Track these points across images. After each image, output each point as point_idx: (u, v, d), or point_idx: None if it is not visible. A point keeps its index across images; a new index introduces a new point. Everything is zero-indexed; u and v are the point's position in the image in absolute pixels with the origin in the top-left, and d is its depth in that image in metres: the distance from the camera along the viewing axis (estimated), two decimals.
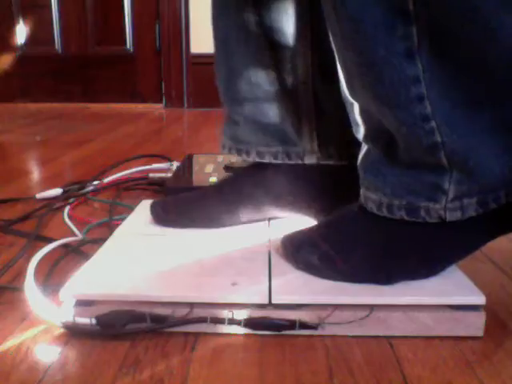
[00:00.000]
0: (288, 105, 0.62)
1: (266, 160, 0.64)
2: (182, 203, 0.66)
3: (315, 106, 0.61)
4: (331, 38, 0.47)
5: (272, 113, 0.62)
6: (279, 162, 0.64)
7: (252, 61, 0.61)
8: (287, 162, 0.63)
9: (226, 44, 0.62)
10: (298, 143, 0.63)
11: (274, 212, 0.65)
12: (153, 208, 0.66)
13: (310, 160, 0.63)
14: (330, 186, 0.63)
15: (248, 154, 0.65)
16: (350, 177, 0.57)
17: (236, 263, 0.53)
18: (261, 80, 0.61)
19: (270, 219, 0.67)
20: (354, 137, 0.54)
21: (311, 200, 0.64)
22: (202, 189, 0.69)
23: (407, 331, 0.46)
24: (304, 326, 0.46)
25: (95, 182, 0.96)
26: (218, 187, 0.67)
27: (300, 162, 0.63)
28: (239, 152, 0.66)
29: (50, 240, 0.67)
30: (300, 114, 0.62)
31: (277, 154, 0.64)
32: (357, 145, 0.54)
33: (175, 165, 1.07)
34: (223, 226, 0.65)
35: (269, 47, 0.60)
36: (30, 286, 0.49)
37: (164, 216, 0.65)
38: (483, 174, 0.44)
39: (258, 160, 0.65)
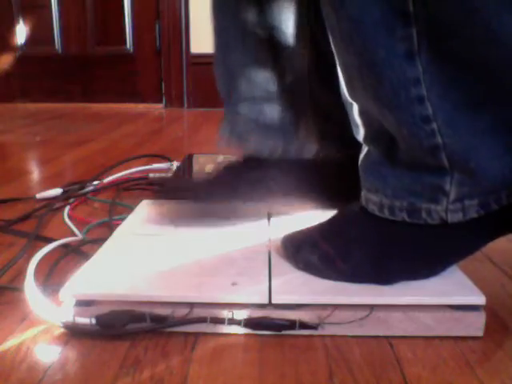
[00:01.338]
0: (285, 101, 0.62)
1: (264, 154, 0.64)
2: (179, 181, 0.65)
3: (312, 103, 0.62)
4: (331, 39, 0.47)
5: (270, 111, 0.62)
6: (277, 157, 0.64)
7: (251, 59, 0.61)
8: (285, 156, 0.63)
9: (226, 43, 0.62)
10: (295, 138, 0.63)
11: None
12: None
13: (307, 154, 0.63)
14: (328, 180, 0.63)
15: (246, 149, 0.65)
16: (350, 170, 0.57)
17: (236, 263, 0.53)
18: (259, 79, 0.61)
19: (269, 218, 0.67)
20: (352, 133, 0.53)
21: (309, 194, 0.64)
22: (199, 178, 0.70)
23: (407, 331, 0.46)
24: (304, 325, 0.46)
25: (95, 182, 0.96)
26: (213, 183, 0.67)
27: (298, 156, 0.63)
28: (236, 146, 0.66)
29: (50, 240, 0.67)
30: (296, 109, 0.62)
31: (275, 149, 0.64)
32: (356, 139, 0.54)
33: (175, 165, 1.07)
34: (218, 202, 0.64)
35: (268, 46, 0.60)
36: (30, 286, 0.49)
37: (160, 190, 0.65)
38: (484, 175, 0.44)
39: (255, 154, 0.65)
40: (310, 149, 0.63)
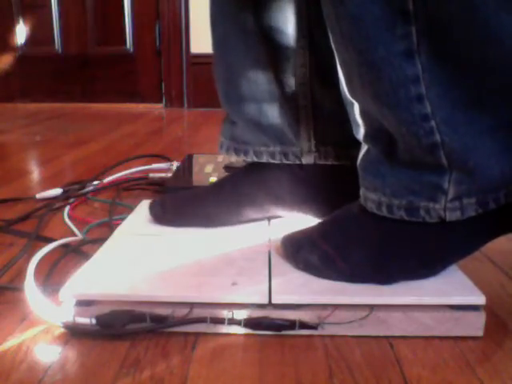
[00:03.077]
0: (286, 105, 0.62)
1: (264, 160, 0.64)
2: (180, 203, 0.66)
3: (313, 107, 0.62)
4: (331, 38, 0.47)
5: (271, 113, 0.62)
6: (277, 161, 0.64)
7: (251, 61, 0.61)
8: (285, 161, 0.64)
9: (225, 44, 0.62)
10: (296, 143, 0.63)
11: (274, 211, 0.65)
12: (151, 207, 0.66)
13: (307, 160, 0.63)
14: (329, 186, 0.63)
15: (246, 153, 0.65)
16: (350, 177, 0.57)
17: (236, 263, 0.53)
18: (260, 80, 0.61)
19: (269, 219, 0.67)
20: (352, 137, 0.54)
21: (311, 200, 0.64)
22: (201, 188, 0.69)
23: (407, 331, 0.46)
24: (304, 325, 0.46)
25: (95, 182, 0.96)
26: (218, 187, 0.67)
27: (297, 161, 0.63)
28: (237, 152, 0.66)
29: (49, 240, 0.67)
30: (298, 114, 0.62)
31: (274, 153, 0.64)
32: (356, 145, 0.54)
33: (175, 165, 1.07)
34: (222, 225, 0.65)
35: (267, 47, 0.60)
36: (30, 286, 0.49)
37: (162, 215, 0.65)
38: (483, 174, 0.44)
39: (255, 160, 0.65)
40: (309, 152, 0.63)
